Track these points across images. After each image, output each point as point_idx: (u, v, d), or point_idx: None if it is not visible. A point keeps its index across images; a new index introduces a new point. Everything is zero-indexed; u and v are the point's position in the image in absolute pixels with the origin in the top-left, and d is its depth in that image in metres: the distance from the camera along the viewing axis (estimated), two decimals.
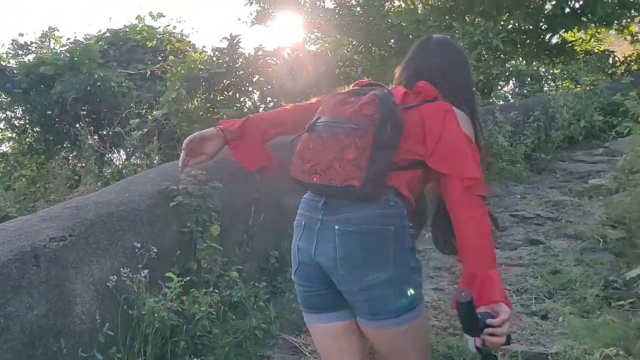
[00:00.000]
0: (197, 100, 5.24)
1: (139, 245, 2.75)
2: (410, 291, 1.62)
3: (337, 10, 11.46)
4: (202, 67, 5.15)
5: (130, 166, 6.64)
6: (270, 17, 11.74)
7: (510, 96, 10.72)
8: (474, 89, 2.00)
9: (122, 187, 3.20)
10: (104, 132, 7.78)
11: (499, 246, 4.60)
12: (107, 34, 8.37)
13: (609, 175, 6.11)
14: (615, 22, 10.59)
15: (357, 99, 1.64)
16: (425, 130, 1.66)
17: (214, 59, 5.38)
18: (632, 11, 10.45)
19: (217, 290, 3.07)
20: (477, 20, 9.14)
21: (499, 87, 10.76)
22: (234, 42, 5.24)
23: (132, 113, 7.13)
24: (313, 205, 1.70)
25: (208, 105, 5.15)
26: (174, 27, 8.80)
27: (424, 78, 1.77)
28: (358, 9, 11.32)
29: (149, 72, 6.97)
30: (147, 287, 2.71)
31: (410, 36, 9.64)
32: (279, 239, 3.95)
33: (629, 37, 11.40)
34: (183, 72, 5.30)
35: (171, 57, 5.51)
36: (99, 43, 7.98)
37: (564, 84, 10.59)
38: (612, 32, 11.94)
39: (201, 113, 5.12)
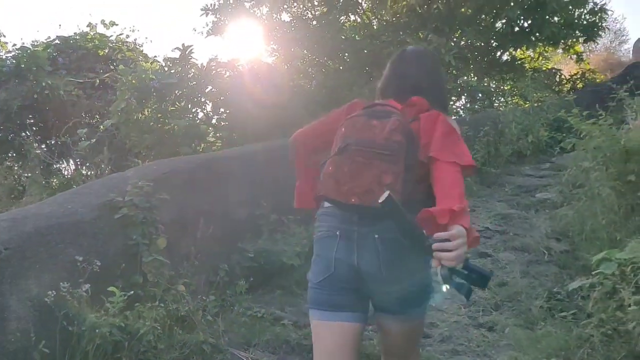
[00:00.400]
0: (147, 111, 5.15)
1: (80, 258, 2.66)
2: (432, 289, 1.85)
3: (293, 24, 11.50)
4: (154, 77, 5.07)
5: (79, 177, 6.47)
6: (226, 28, 11.68)
7: (461, 111, 10.96)
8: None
9: (65, 199, 3.11)
10: (52, 142, 7.56)
11: None
12: (57, 41, 8.14)
13: (555, 189, 6.30)
14: (562, 41, 10.99)
15: (381, 123, 1.79)
16: (423, 136, 1.83)
17: (166, 69, 5.31)
18: (577, 32, 10.87)
19: (163, 305, 2.99)
20: (430, 36, 9.31)
21: (451, 103, 10.98)
22: (186, 52, 5.19)
23: (81, 122, 6.96)
24: (346, 219, 1.82)
25: (159, 115, 5.07)
26: (127, 36, 8.63)
27: (411, 90, 1.95)
28: (314, 22, 11.40)
29: (99, 81, 6.81)
30: (89, 302, 2.62)
31: (365, 50, 9.76)
32: (229, 252, 3.90)
33: (574, 57, 11.85)
34: (134, 81, 5.20)
35: (121, 67, 5.40)
36: (48, 50, 7.74)
37: (513, 100, 10.89)
38: (559, 51, 12.39)
39: (152, 123, 5.04)
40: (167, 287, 3.14)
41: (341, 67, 10.10)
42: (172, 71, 5.25)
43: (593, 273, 2.98)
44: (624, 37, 19.52)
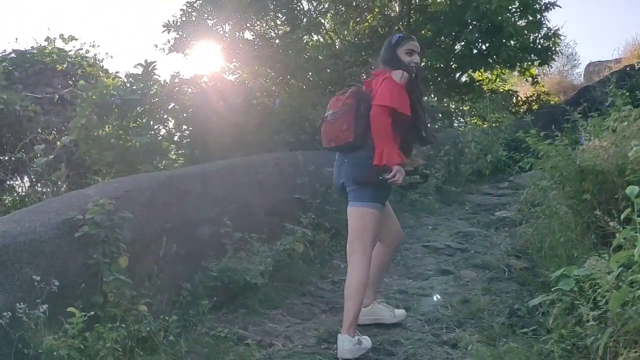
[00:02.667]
0: (108, 127, 5.05)
1: (38, 278, 2.58)
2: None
3: (256, 42, 11.55)
4: (115, 93, 4.99)
5: (34, 194, 6.27)
6: (188, 45, 11.63)
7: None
8: (400, 59, 3.36)
9: (22, 217, 3.01)
10: (6, 158, 7.31)
11: (411, 276, 4.71)
12: (12, 55, 7.91)
13: (514, 208, 6.44)
14: (518, 64, 11.35)
15: (342, 96, 3.30)
16: (375, 91, 3.22)
17: (128, 85, 5.23)
18: (533, 55, 11.24)
19: (124, 325, 2.91)
20: None
21: None
22: (149, 68, 5.13)
23: (38, 139, 6.76)
24: (338, 157, 3.40)
25: (120, 132, 4.98)
26: (87, 51, 8.47)
27: (381, 62, 3.44)
28: (277, 41, 11.46)
29: (57, 96, 6.65)
30: (46, 324, 2.53)
31: (328, 70, 9.86)
32: (192, 271, 3.84)
33: (530, 79, 12.23)
34: (95, 97, 5.11)
35: (82, 82, 5.30)
36: (3, 64, 7.53)
37: (472, 121, 11.15)
38: (515, 73, 12.78)
39: (112, 140, 4.94)
40: (128, 307, 3.06)
41: (304, 86, 10.17)
42: (135, 87, 5.18)
43: (552, 289, 3.04)
44: (576, 62, 20.33)
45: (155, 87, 5.37)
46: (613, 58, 17.97)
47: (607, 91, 6.88)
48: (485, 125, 10.43)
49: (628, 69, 12.21)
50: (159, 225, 3.65)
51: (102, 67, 7.88)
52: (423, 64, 10.65)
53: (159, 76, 5.29)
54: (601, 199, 3.99)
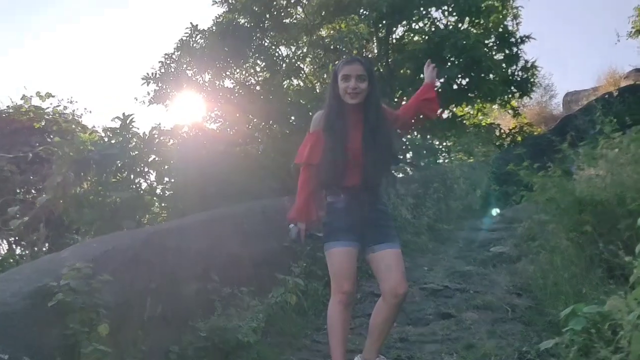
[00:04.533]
0: (87, 184, 4.86)
1: (6, 357, 2.33)
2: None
3: (236, 89, 11.52)
4: (93, 148, 4.82)
5: (12, 257, 6.00)
6: (168, 96, 11.57)
7: (408, 169, 11.06)
8: (332, 91, 3.03)
9: None
10: None
11: (411, 322, 4.49)
12: None
13: (509, 243, 6.29)
14: (499, 97, 11.43)
15: None
16: None
17: (106, 139, 5.07)
18: (512, 88, 11.34)
19: None
20: (379, 98, 9.48)
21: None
22: (127, 121, 4.98)
23: (15, 199, 6.55)
24: None
25: (99, 188, 4.78)
26: (65, 108, 8.33)
27: None
28: (258, 87, 11.44)
29: (32, 155, 6.46)
30: None
31: (311, 113, 9.79)
32: (179, 332, 3.59)
33: (511, 112, 12.32)
34: (72, 154, 4.93)
35: (57, 139, 5.12)
36: None
37: (457, 156, 11.12)
38: (496, 106, 12.89)
39: (92, 197, 4.74)
40: None
41: (288, 131, 10.09)
42: (113, 141, 5.01)
43: (563, 330, 2.86)
44: (553, 92, 20.80)
45: (135, 140, 5.20)
46: (590, 87, 18.30)
47: (590, 119, 6.84)
48: (471, 160, 10.39)
49: (607, 96, 12.40)
50: (142, 285, 3.42)
51: (80, 122, 7.72)
52: (405, 103, 10.66)
53: (138, 129, 5.14)
54: (603, 230, 3.86)
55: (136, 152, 5.12)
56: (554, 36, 38.54)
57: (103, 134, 5.29)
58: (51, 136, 7.60)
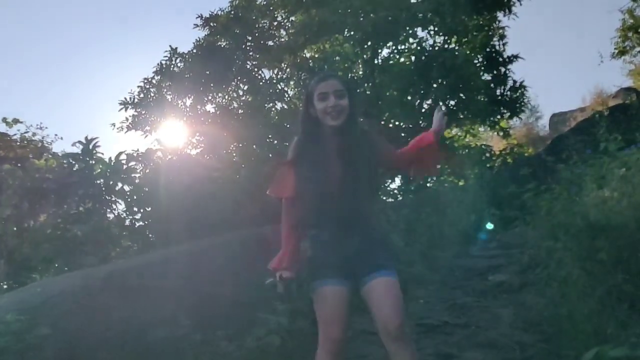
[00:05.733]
0: (43, 216, 4.37)
1: None
2: None
3: (218, 114, 11.16)
4: (50, 176, 4.34)
5: None
6: (148, 122, 11.17)
7: (398, 193, 10.67)
8: (308, 114, 2.64)
9: None
10: None
11: None
12: None
13: (509, 270, 5.87)
14: (488, 119, 11.16)
15: None
16: None
17: (66, 166, 4.59)
18: (502, 108, 11.08)
19: None
20: (359, 119, 9.15)
21: (386, 184, 10.69)
22: (90, 146, 4.52)
23: None
24: None
25: (58, 221, 4.30)
26: (34, 134, 7.88)
27: None
28: (240, 111, 11.08)
29: None
30: None
31: (295, 137, 9.42)
32: None
33: (501, 133, 12.04)
34: (29, 183, 4.45)
35: (7, 166, 4.63)
36: None
37: (448, 179, 10.76)
38: (482, 129, 12.66)
39: (49, 231, 4.25)
40: None
41: (270, 154, 9.69)
42: (75, 169, 4.54)
43: None
44: (539, 114, 20.93)
45: (100, 166, 4.74)
46: (577, 107, 18.22)
47: (582, 139, 6.58)
48: (461, 183, 10.03)
49: (597, 116, 12.15)
50: (95, 335, 2.93)
51: (35, 147, 7.22)
52: (391, 124, 10.35)
53: (102, 154, 4.67)
54: (620, 258, 3.44)
55: (101, 180, 4.64)
56: (536, 58, 38.99)
57: (63, 160, 4.82)
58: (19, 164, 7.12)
